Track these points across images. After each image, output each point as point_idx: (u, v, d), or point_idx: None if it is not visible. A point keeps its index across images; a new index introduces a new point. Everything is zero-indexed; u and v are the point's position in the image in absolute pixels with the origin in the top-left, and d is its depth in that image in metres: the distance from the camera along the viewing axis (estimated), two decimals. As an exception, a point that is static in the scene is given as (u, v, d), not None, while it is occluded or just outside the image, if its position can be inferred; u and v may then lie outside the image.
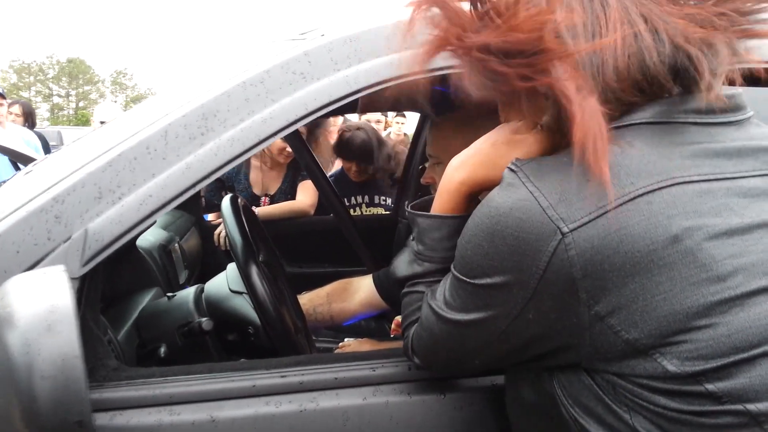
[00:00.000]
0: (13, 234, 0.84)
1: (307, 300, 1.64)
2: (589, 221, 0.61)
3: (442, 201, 0.85)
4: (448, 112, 1.77)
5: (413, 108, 2.39)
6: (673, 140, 0.67)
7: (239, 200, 1.31)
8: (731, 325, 0.59)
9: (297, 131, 2.02)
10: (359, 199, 2.94)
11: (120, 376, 0.86)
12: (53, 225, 0.85)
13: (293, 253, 2.50)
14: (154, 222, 0.89)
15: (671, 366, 0.60)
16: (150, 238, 1.72)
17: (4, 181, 1.34)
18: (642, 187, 0.62)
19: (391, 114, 5.04)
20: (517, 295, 0.66)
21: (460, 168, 0.83)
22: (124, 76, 55.93)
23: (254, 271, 1.13)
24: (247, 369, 0.90)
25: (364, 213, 2.95)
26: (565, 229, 0.62)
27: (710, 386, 0.59)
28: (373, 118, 3.44)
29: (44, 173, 1.01)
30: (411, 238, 0.91)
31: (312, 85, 0.96)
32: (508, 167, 0.69)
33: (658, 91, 0.68)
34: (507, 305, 0.68)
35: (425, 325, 0.80)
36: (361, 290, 1.64)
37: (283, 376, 0.88)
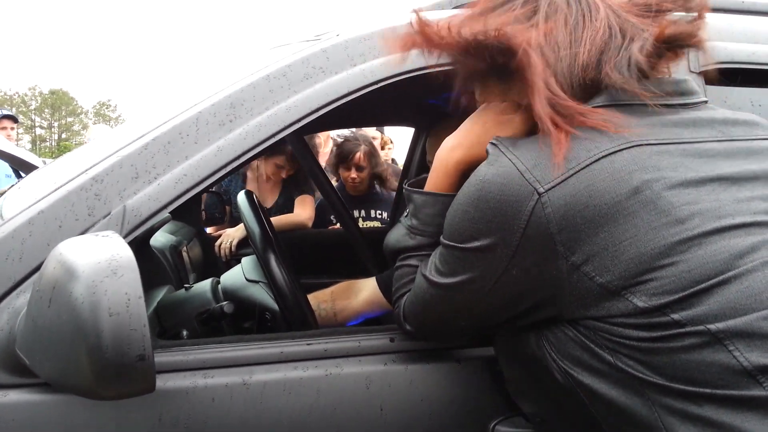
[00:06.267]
0: (55, 210, 0.90)
1: (312, 298, 1.68)
2: (562, 181, 0.70)
3: (438, 179, 0.93)
4: (443, 122, 1.85)
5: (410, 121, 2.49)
6: (633, 114, 0.77)
7: (254, 195, 1.37)
8: (690, 261, 0.67)
9: (302, 139, 2.09)
10: (356, 213, 3.00)
11: (155, 344, 0.91)
12: (93, 202, 0.91)
13: (291, 265, 2.54)
14: (188, 199, 0.94)
15: (640, 302, 0.68)
16: (161, 239, 1.76)
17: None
18: (605, 149, 0.72)
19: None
20: (501, 254, 0.74)
21: (456, 149, 0.92)
22: (107, 108, 55.97)
23: (273, 259, 1.18)
24: (274, 339, 0.95)
25: (361, 227, 3.00)
26: (541, 190, 0.70)
27: (675, 315, 0.66)
28: (369, 134, 3.51)
29: (78, 160, 1.07)
30: (405, 214, 0.98)
31: (330, 78, 1.04)
32: (490, 143, 0.78)
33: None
34: (493, 264, 0.76)
35: (417, 293, 0.88)
36: (365, 290, 1.69)
37: (308, 344, 0.94)
